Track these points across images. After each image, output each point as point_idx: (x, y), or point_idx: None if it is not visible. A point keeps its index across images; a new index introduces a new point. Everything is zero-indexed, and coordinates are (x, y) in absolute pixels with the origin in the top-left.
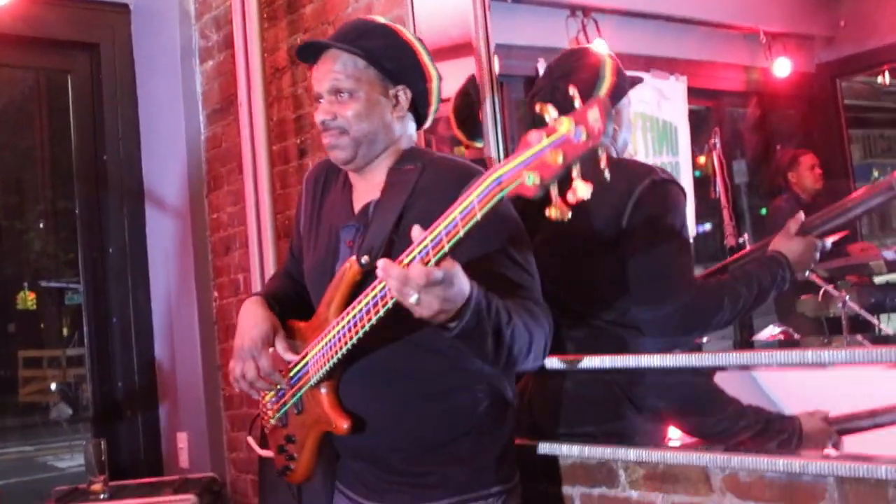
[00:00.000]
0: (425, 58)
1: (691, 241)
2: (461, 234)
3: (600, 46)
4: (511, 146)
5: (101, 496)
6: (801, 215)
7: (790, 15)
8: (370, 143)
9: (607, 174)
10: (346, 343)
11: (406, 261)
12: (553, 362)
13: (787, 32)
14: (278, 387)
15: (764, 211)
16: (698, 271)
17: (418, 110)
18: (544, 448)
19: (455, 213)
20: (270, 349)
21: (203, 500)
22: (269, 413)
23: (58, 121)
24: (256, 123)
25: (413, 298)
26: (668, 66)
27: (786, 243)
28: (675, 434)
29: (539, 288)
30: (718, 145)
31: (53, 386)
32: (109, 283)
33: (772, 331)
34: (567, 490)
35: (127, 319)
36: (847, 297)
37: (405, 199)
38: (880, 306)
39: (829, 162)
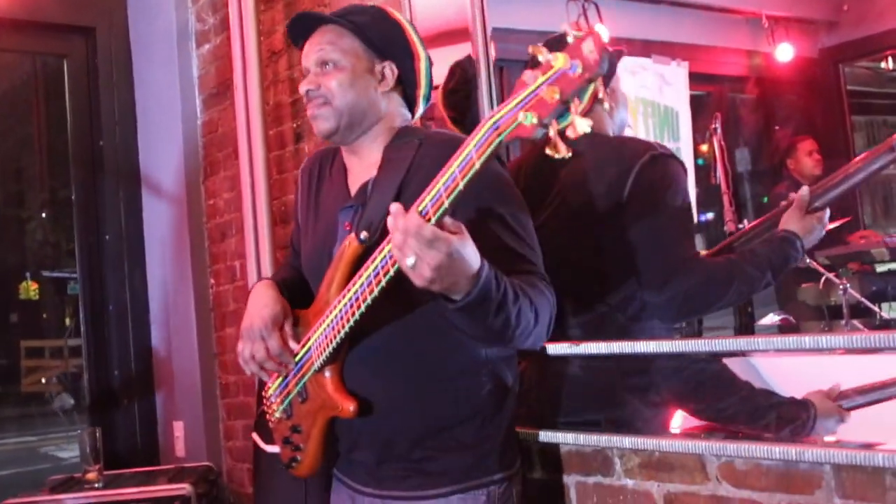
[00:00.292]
0: (414, 37)
1: (693, 215)
2: (461, 186)
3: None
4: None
5: (96, 485)
6: (806, 190)
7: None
8: (352, 114)
9: (607, 105)
10: (348, 321)
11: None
12: (553, 348)
13: (790, 17)
14: (283, 377)
15: (766, 199)
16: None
17: (406, 91)
18: (540, 436)
19: (453, 165)
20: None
21: (198, 489)
22: (274, 406)
23: (57, 107)
24: (252, 107)
25: (409, 261)
26: (669, 51)
27: (797, 222)
28: (677, 421)
29: (541, 260)
30: (719, 131)
31: (55, 377)
32: (106, 270)
33: (772, 318)
34: (561, 477)
35: (123, 307)
36: (848, 285)
37: (403, 175)
38: (881, 294)
39: (831, 148)
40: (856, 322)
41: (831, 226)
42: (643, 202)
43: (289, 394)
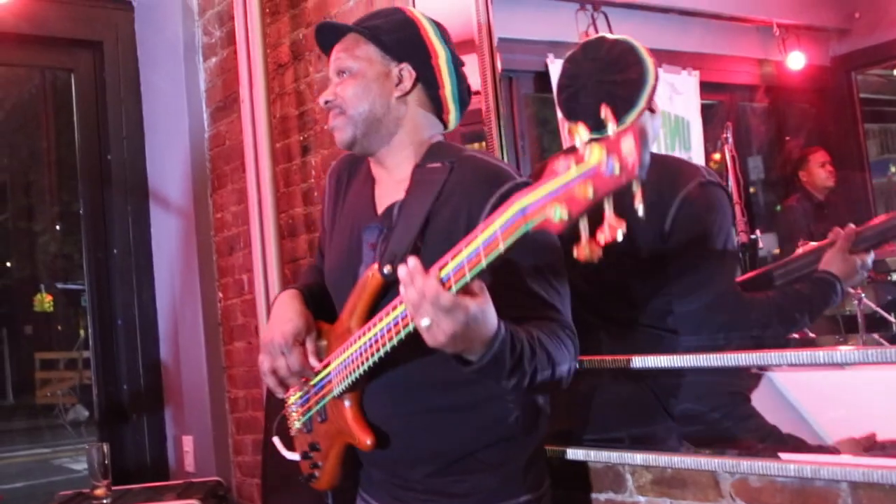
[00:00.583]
0: (431, 34)
1: (736, 246)
2: (483, 264)
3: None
4: (521, 144)
5: (104, 501)
6: (851, 230)
7: (804, 7)
8: (368, 123)
9: (641, 211)
10: (366, 359)
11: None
12: (583, 364)
13: (801, 25)
14: (304, 390)
15: (779, 208)
16: None
17: (430, 92)
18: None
19: (478, 240)
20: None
21: None
22: (294, 416)
23: (66, 121)
24: (258, 120)
25: (425, 322)
26: (680, 60)
27: (840, 264)
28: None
29: (568, 302)
30: (731, 140)
31: (70, 388)
32: (114, 284)
33: None
34: (573, 494)
35: (132, 321)
36: (863, 295)
37: (432, 203)
38: None
39: (844, 156)
40: (875, 336)
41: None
42: (687, 232)
43: (309, 409)
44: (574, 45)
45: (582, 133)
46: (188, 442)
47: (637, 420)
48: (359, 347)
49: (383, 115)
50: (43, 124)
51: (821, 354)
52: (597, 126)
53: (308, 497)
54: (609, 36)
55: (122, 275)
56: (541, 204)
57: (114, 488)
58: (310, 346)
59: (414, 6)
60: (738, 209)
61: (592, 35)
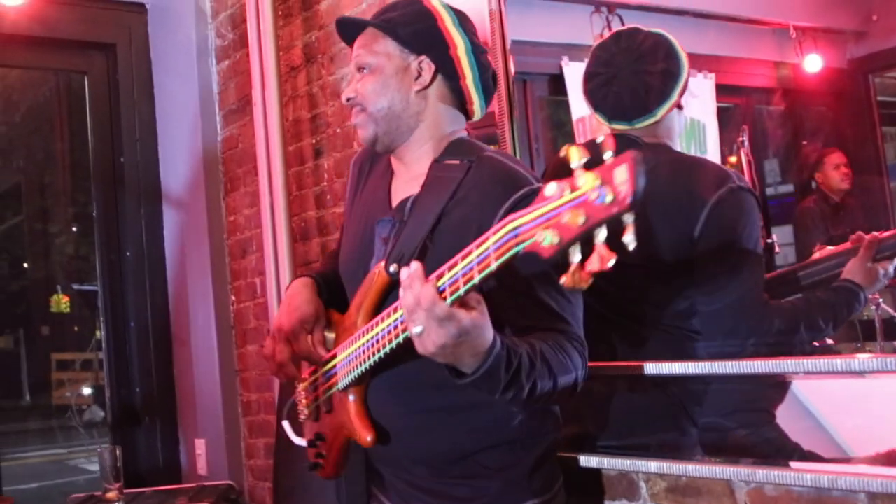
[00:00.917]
0: (449, 24)
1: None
2: (476, 280)
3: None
4: (535, 146)
5: None
6: (875, 238)
7: (821, 9)
8: (389, 119)
9: (632, 245)
10: (368, 358)
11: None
12: (601, 369)
13: (818, 27)
14: (315, 376)
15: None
16: None
17: (451, 84)
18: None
19: (473, 255)
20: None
21: None
22: (303, 402)
23: (80, 123)
24: (271, 123)
25: (416, 329)
26: (695, 62)
27: (862, 272)
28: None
29: (579, 314)
30: (747, 143)
31: (87, 390)
32: (127, 286)
33: None
34: (586, 501)
35: (144, 323)
36: (881, 300)
37: (446, 202)
38: None
39: (862, 159)
40: (894, 343)
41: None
42: (717, 237)
43: (317, 398)
44: (588, 48)
45: (576, 156)
46: (200, 445)
47: (658, 426)
48: (362, 345)
49: (403, 111)
50: (57, 126)
51: (838, 362)
52: (624, 116)
53: (321, 501)
54: (643, 28)
55: (135, 277)
56: (532, 227)
57: (126, 491)
58: (317, 335)
59: None
60: None
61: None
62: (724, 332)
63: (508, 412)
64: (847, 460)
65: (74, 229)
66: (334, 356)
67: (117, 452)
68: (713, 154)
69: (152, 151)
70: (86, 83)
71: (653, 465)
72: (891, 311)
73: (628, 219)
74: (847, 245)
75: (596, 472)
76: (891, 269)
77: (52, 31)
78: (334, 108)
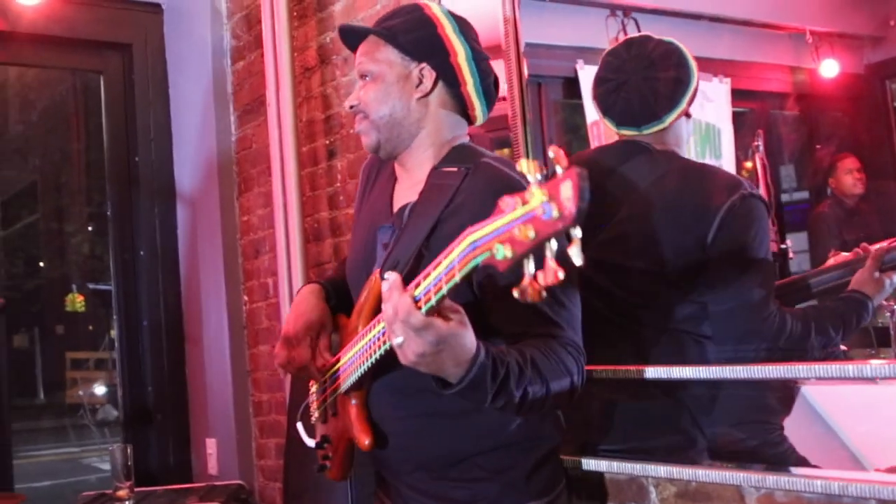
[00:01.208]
0: (449, 31)
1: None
2: (444, 291)
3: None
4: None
5: (126, 502)
6: (882, 251)
7: (838, 14)
8: (391, 126)
9: (578, 260)
10: (362, 363)
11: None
12: (607, 373)
13: (835, 32)
14: (323, 379)
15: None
16: None
17: (452, 90)
18: (567, 463)
19: (442, 266)
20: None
21: None
22: (314, 405)
23: (96, 123)
24: (285, 124)
25: (397, 340)
26: (711, 67)
27: (869, 284)
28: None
29: (576, 320)
30: (762, 148)
31: (101, 389)
32: (140, 285)
33: None
34: None
35: (157, 322)
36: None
37: (442, 209)
38: None
39: (878, 165)
40: None
41: None
42: (729, 244)
43: (324, 400)
44: (603, 51)
45: (531, 171)
46: (212, 445)
47: (664, 431)
48: (359, 350)
49: (404, 118)
50: (73, 126)
51: (850, 368)
52: (633, 122)
53: (331, 503)
54: (654, 35)
55: (149, 276)
56: (487, 241)
57: (136, 490)
58: (323, 340)
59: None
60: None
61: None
62: (735, 337)
63: (506, 416)
64: (859, 467)
65: (90, 228)
66: (338, 360)
67: (128, 451)
68: (728, 159)
69: (167, 151)
70: (101, 83)
71: (662, 470)
72: None
73: (576, 233)
74: (852, 256)
75: (600, 477)
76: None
77: (68, 30)
78: (348, 109)
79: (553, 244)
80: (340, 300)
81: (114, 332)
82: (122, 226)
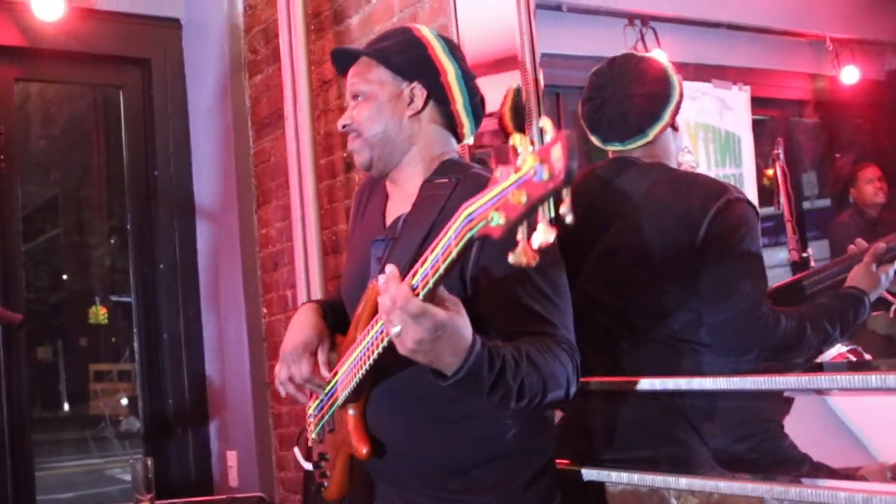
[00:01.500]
0: (439, 51)
1: (764, 261)
2: (441, 271)
3: (661, 58)
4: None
5: None
6: (881, 248)
7: (858, 21)
8: (384, 143)
9: (569, 218)
10: (363, 365)
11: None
12: (605, 384)
13: (856, 39)
14: (319, 400)
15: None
16: None
17: (442, 108)
18: (590, 474)
19: (438, 248)
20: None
21: None
22: (311, 427)
23: (116, 137)
24: (302, 137)
25: (395, 330)
26: (730, 75)
27: (865, 279)
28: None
29: (568, 318)
30: (782, 156)
31: (124, 400)
32: (160, 298)
33: (839, 349)
34: None
35: (177, 336)
36: None
37: (434, 217)
38: None
39: None
40: None
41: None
42: (718, 248)
43: (322, 418)
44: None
45: (519, 143)
46: (232, 457)
47: (665, 441)
48: (356, 357)
49: (396, 135)
50: (94, 140)
51: (873, 378)
52: (616, 138)
53: None
54: (638, 53)
55: (168, 289)
56: (482, 211)
57: (157, 502)
58: (321, 356)
59: (456, 22)
60: (789, 227)
61: (640, 51)
62: (731, 341)
63: (503, 425)
64: (883, 479)
65: (112, 241)
66: (335, 374)
67: (149, 463)
68: (748, 167)
69: (186, 165)
70: (121, 98)
71: (683, 482)
72: None
73: (565, 194)
74: (848, 255)
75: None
76: (891, 273)
77: (88, 46)
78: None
79: (545, 207)
80: (338, 320)
81: (135, 345)
82: (142, 239)
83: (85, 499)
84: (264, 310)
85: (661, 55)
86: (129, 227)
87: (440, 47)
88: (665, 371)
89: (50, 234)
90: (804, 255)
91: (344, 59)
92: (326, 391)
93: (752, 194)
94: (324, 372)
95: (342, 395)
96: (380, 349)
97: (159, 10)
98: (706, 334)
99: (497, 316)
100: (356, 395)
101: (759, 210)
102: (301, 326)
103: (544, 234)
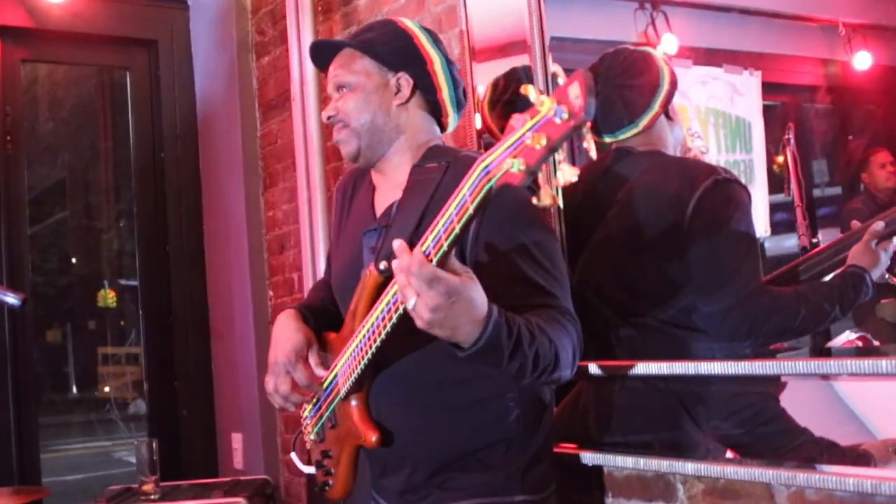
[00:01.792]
0: (424, 42)
1: (758, 241)
2: (457, 230)
3: (672, 43)
4: (577, 144)
5: (152, 497)
6: (881, 225)
7: (871, 5)
8: (371, 133)
9: (593, 153)
10: (366, 352)
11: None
12: (605, 369)
13: (868, 24)
14: (315, 400)
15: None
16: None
17: (428, 98)
18: (596, 459)
19: (451, 209)
20: (308, 360)
21: (254, 502)
22: (308, 428)
23: (123, 119)
24: (309, 119)
25: (410, 302)
26: (741, 60)
27: (864, 257)
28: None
29: (566, 290)
30: (793, 142)
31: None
32: (166, 280)
33: (848, 336)
34: (622, 503)
35: (184, 318)
36: None
37: (427, 200)
38: None
39: None
40: None
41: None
42: (706, 228)
43: (321, 418)
44: (633, 45)
45: (532, 92)
46: (237, 439)
47: (663, 426)
48: (360, 341)
49: (384, 124)
50: (101, 123)
51: (884, 364)
52: (608, 129)
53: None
54: (629, 47)
55: (175, 272)
56: (501, 160)
57: (162, 484)
58: (312, 358)
59: (465, 5)
60: (799, 212)
61: (651, 35)
62: (724, 329)
63: (505, 408)
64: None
65: (121, 225)
66: (333, 369)
67: (154, 445)
68: (759, 153)
69: (192, 147)
70: (128, 79)
71: (689, 467)
72: None
73: (585, 131)
74: (847, 234)
75: (613, 472)
76: (891, 250)
77: (95, 27)
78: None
79: (564, 148)
80: (319, 322)
81: (141, 327)
82: (149, 221)
83: (91, 480)
84: (270, 293)
85: (671, 40)
86: (135, 209)
87: (424, 38)
88: (666, 356)
89: (58, 216)
90: (815, 240)
91: (322, 53)
92: (325, 388)
93: (762, 181)
94: (319, 371)
95: (344, 388)
96: (387, 329)
97: None
98: (699, 314)
99: (500, 291)
100: (359, 385)
101: (749, 190)
102: (286, 335)
103: (568, 174)
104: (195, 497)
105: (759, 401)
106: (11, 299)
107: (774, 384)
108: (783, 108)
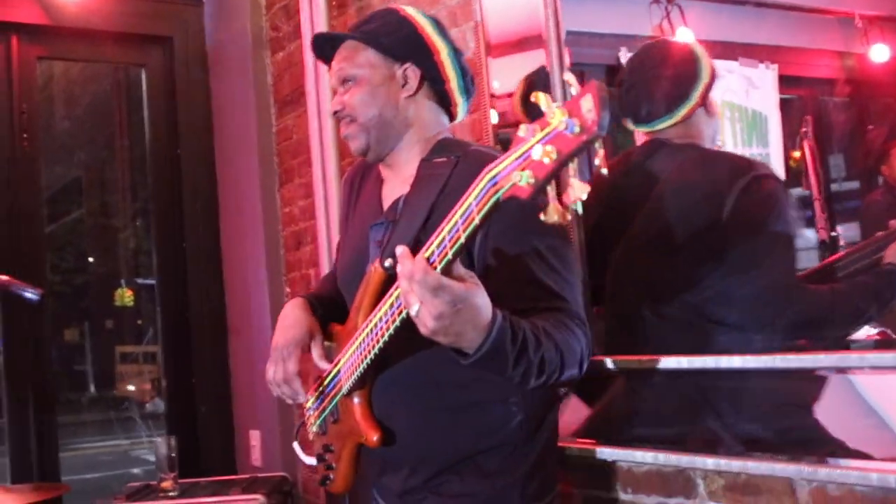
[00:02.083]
0: (430, 31)
1: (795, 237)
2: (462, 240)
3: (687, 36)
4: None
5: (171, 493)
6: None
7: None
8: (380, 127)
9: (604, 171)
10: (370, 351)
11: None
12: (628, 363)
13: (885, 16)
14: (319, 392)
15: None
16: None
17: (437, 88)
18: (615, 454)
19: (456, 217)
20: (309, 352)
21: (272, 499)
22: (311, 420)
23: (139, 117)
24: (325, 114)
25: (414, 309)
26: (757, 53)
27: None
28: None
29: (578, 293)
30: (810, 135)
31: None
32: (183, 278)
33: (868, 331)
34: (642, 499)
35: (201, 315)
36: None
37: (435, 196)
38: None
39: None
40: None
41: None
42: (745, 226)
43: (323, 411)
44: (647, 38)
45: (543, 100)
46: (255, 436)
47: (691, 421)
48: (363, 339)
49: (393, 118)
50: (117, 121)
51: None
52: (643, 119)
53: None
54: (671, 39)
55: (192, 269)
56: (508, 171)
57: (181, 481)
58: (315, 350)
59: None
60: (817, 206)
61: (666, 29)
62: (756, 312)
63: (509, 412)
64: None
65: (138, 223)
66: (337, 363)
67: (172, 442)
68: (776, 146)
69: (208, 143)
70: (143, 76)
71: (710, 462)
72: None
73: (598, 146)
74: (888, 232)
75: (633, 467)
76: None
77: (110, 24)
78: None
79: (575, 163)
80: (327, 312)
81: (159, 325)
82: (165, 219)
83: (110, 479)
84: (287, 289)
85: (686, 34)
86: (151, 207)
87: (429, 26)
88: (691, 350)
89: (75, 214)
90: (833, 234)
91: (325, 46)
92: (328, 381)
93: (779, 174)
94: (322, 364)
95: (347, 384)
96: (391, 331)
97: None
98: (733, 310)
99: (509, 293)
100: (362, 382)
101: (784, 185)
102: (289, 323)
103: (579, 190)
104: (213, 494)
105: (781, 396)
106: (30, 294)
107: (803, 387)
108: (800, 101)
